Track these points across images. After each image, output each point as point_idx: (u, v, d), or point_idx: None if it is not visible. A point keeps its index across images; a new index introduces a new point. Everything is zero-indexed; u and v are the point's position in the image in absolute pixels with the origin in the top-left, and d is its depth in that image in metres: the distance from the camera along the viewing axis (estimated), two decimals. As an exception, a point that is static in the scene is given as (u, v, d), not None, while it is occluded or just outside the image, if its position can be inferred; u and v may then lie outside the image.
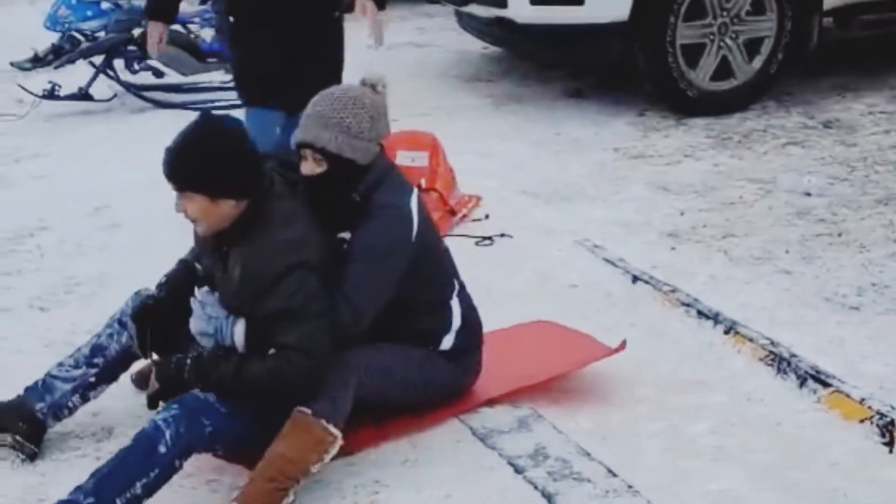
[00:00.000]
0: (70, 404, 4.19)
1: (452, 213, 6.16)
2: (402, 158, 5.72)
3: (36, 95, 8.45)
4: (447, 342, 4.11)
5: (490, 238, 5.94)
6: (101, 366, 4.18)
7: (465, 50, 9.58)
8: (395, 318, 3.94)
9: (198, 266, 4.10)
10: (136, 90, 8.61)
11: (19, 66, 9.34)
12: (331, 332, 3.74)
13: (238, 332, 3.82)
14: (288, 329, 3.70)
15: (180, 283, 4.07)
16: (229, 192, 3.76)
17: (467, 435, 4.24)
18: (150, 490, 3.66)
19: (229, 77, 8.53)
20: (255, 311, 3.76)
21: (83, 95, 8.51)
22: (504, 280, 5.47)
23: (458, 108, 8.17)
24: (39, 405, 4.14)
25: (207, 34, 9.25)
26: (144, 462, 3.64)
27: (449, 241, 5.75)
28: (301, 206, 3.86)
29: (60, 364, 4.22)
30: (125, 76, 8.74)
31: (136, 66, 8.82)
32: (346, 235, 3.90)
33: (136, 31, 8.66)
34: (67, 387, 4.17)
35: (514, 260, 5.72)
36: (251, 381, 3.73)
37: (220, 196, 3.75)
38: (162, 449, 3.65)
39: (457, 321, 4.12)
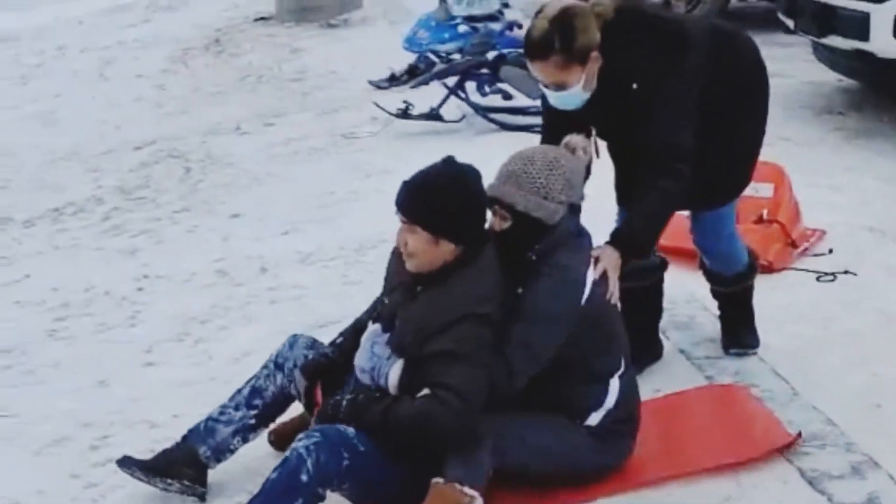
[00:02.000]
0: (231, 447, 4.26)
1: (794, 245, 6.00)
2: (746, 189, 5.60)
3: (390, 114, 8.76)
4: (594, 419, 3.96)
5: (832, 274, 5.74)
6: (261, 408, 4.24)
7: (819, 81, 9.31)
8: (548, 382, 3.84)
9: (385, 300, 4.10)
10: (483, 112, 8.78)
11: (376, 85, 9.72)
12: (487, 385, 3.69)
13: (394, 373, 3.81)
14: (448, 370, 3.66)
15: (354, 345, 4.05)
16: (452, 236, 3.80)
17: (795, 476, 4.10)
18: None
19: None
20: (422, 351, 3.74)
21: (434, 116, 8.75)
22: (844, 318, 5.27)
23: (807, 140, 7.94)
24: (203, 448, 4.22)
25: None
26: (289, 491, 3.65)
27: (789, 275, 5.68)
28: (496, 263, 3.84)
29: (223, 406, 4.30)
30: (475, 98, 8.93)
31: (487, 89, 8.99)
32: (520, 291, 3.87)
33: (490, 55, 8.84)
34: (229, 430, 4.24)
35: (856, 298, 5.50)
36: (400, 421, 3.70)
37: (443, 236, 3.80)
38: (304, 478, 3.65)
39: (611, 401, 3.96)
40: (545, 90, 4.34)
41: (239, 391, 4.31)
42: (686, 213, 4.77)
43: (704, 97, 4.32)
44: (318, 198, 7.57)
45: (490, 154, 7.56)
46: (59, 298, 6.46)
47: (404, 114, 8.73)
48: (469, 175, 3.85)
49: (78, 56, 12.65)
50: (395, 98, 9.02)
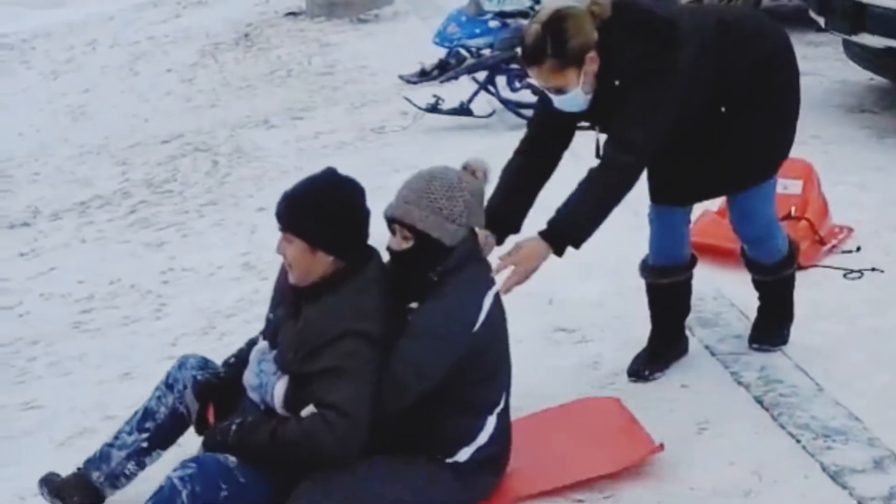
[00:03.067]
0: (126, 471, 4.11)
1: (822, 242, 5.96)
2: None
3: (420, 108, 8.75)
4: (463, 454, 3.84)
5: (860, 271, 5.69)
6: (153, 430, 4.10)
7: (850, 80, 9.25)
8: (424, 409, 3.73)
9: (270, 316, 4.04)
10: (514, 107, 8.76)
11: (407, 80, 9.70)
12: (372, 403, 3.62)
13: (279, 390, 3.74)
14: (331, 388, 3.61)
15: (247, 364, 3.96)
16: (329, 246, 3.75)
17: (817, 470, 4.08)
18: None
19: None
20: (305, 368, 3.68)
21: (464, 110, 8.73)
22: (869, 315, 5.23)
23: (836, 138, 7.87)
24: (96, 474, 4.10)
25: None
26: None
27: (816, 272, 5.64)
28: (381, 279, 3.78)
29: (118, 431, 4.17)
30: (505, 93, 8.91)
31: (517, 84, 8.97)
32: (415, 305, 3.80)
33: (520, 50, 8.80)
34: (122, 454, 4.11)
35: (883, 296, 5.45)
36: (287, 441, 3.64)
37: (319, 247, 3.74)
38: None
39: (483, 438, 3.86)
40: (546, 93, 4.32)
41: (134, 414, 4.17)
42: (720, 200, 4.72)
43: (713, 88, 4.31)
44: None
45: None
46: (85, 291, 6.48)
47: (434, 108, 8.72)
48: (348, 187, 3.82)
49: (108, 51, 12.72)
50: (424, 93, 9.00)
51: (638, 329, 4.96)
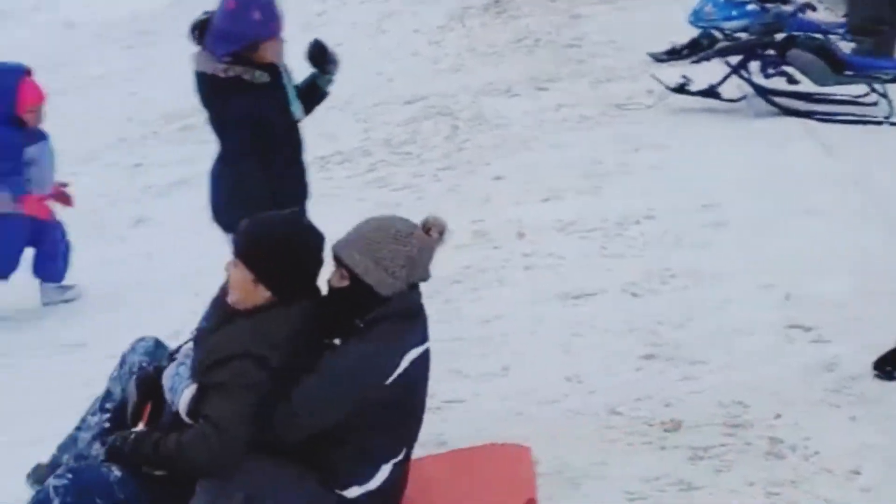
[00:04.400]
0: (94, 453, 4.03)
1: None
2: None
3: (667, 87, 8.53)
4: (353, 492, 3.75)
5: None
6: (112, 411, 4.07)
7: None
8: (324, 442, 3.69)
9: (203, 324, 3.99)
10: (765, 94, 8.46)
11: (655, 58, 9.50)
12: (254, 424, 3.59)
13: (184, 397, 3.72)
14: (213, 403, 3.61)
15: None
16: (270, 283, 3.76)
17: None
18: None
19: (864, 91, 8.24)
20: (205, 380, 3.69)
21: (712, 93, 8.47)
22: None
23: None
24: (66, 458, 4.08)
25: (846, 47, 8.93)
26: None
27: None
28: (306, 315, 3.76)
29: (84, 413, 4.14)
30: (758, 79, 8.61)
31: (772, 71, 8.65)
32: (337, 342, 3.76)
33: (779, 36, 8.51)
34: (87, 436, 4.08)
35: None
36: (167, 452, 3.63)
37: (262, 281, 3.75)
38: None
39: (374, 484, 3.77)
40: None
41: (98, 396, 4.15)
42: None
43: None
44: (584, 167, 7.43)
45: (770, 138, 7.36)
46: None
47: (681, 89, 8.48)
48: (308, 235, 3.83)
49: (359, 7, 12.83)
50: (673, 72, 8.76)
51: (881, 334, 4.70)
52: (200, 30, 4.86)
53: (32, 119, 6.29)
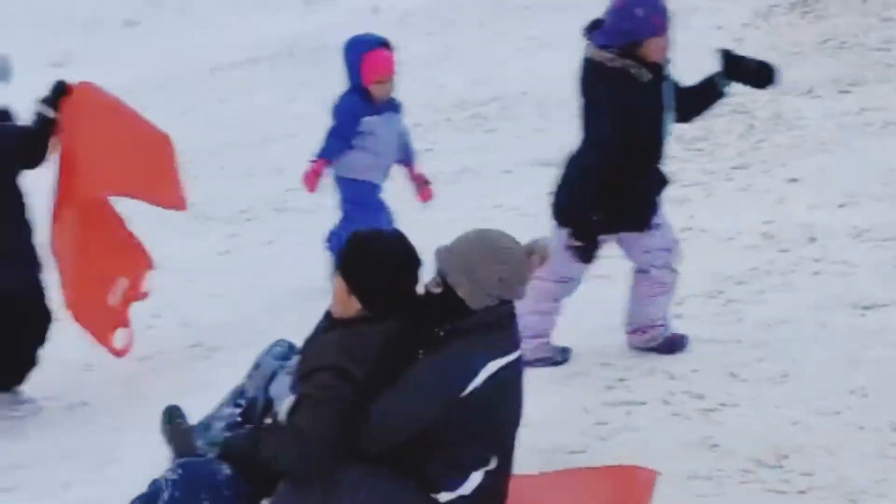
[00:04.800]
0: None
1: None
2: None
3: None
4: (444, 497, 3.82)
5: None
6: (244, 407, 4.24)
7: None
8: (414, 450, 3.78)
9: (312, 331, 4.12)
10: None
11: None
12: (338, 435, 3.73)
13: (285, 405, 3.90)
14: (299, 412, 3.80)
15: None
16: (362, 298, 3.91)
17: None
18: None
19: None
20: (297, 389, 3.89)
21: None
22: None
23: None
24: (200, 443, 4.20)
25: None
26: None
27: None
28: (392, 332, 3.86)
29: (220, 403, 4.31)
30: None
31: None
32: (420, 354, 3.81)
33: None
34: (220, 425, 4.23)
35: None
36: (262, 452, 3.84)
37: (354, 293, 3.91)
38: None
39: (465, 490, 3.82)
40: None
41: (233, 389, 4.34)
42: None
43: None
44: (884, 174, 7.12)
45: None
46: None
47: None
48: (404, 254, 3.95)
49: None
50: None
51: None
52: (594, 26, 5.04)
53: (378, 91, 6.22)
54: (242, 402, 4.30)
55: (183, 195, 5.80)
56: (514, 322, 3.90)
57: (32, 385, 5.61)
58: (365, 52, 6.22)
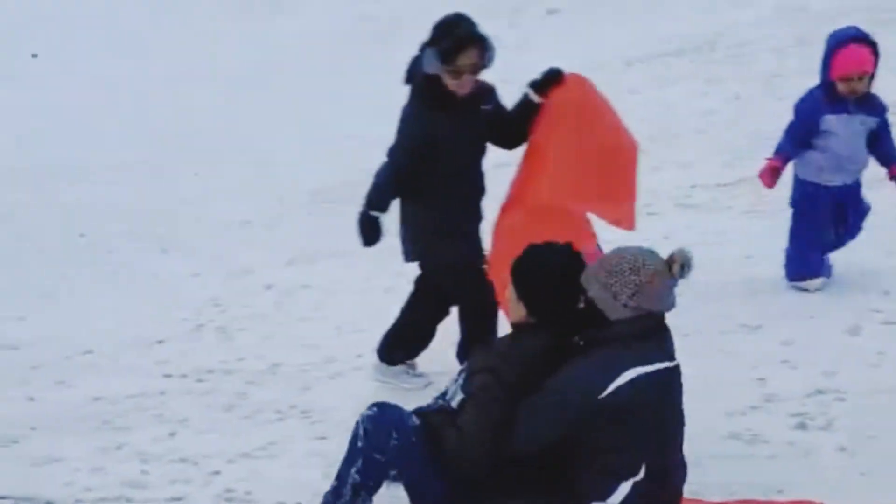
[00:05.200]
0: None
1: None
2: None
3: None
4: None
5: None
6: (441, 400, 4.49)
7: None
8: (562, 457, 4.03)
9: None
10: None
11: None
12: (498, 435, 4.05)
13: (456, 402, 4.30)
14: (463, 410, 4.22)
15: None
16: (526, 302, 4.30)
17: None
18: (366, 479, 4.27)
19: None
20: (465, 388, 4.28)
21: None
22: None
23: None
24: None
25: None
26: (351, 455, 4.31)
27: None
28: (544, 339, 4.21)
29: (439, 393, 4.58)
30: None
31: None
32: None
33: None
34: (435, 406, 4.49)
35: None
36: (440, 441, 4.20)
37: (521, 299, 4.32)
38: (360, 443, 4.27)
39: (614, 500, 3.98)
40: None
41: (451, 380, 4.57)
42: None
43: None
44: None
45: None
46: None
47: None
48: (571, 268, 4.23)
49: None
50: None
51: None
52: None
53: (845, 88, 5.99)
54: (439, 398, 4.54)
55: (633, 212, 5.40)
56: (661, 333, 4.09)
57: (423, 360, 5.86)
58: (837, 47, 6.01)
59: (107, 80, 11.84)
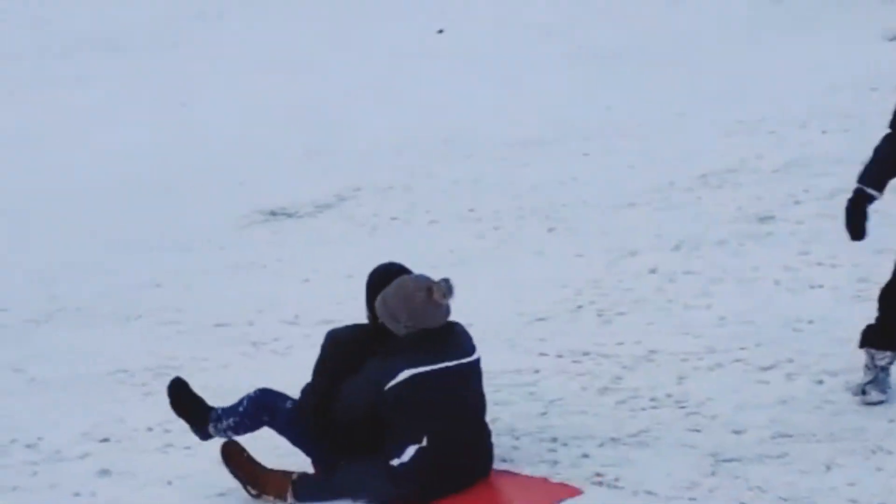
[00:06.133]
0: None
1: None
2: None
3: None
4: (395, 462, 5.04)
5: None
6: None
7: None
8: (370, 428, 5.07)
9: None
10: None
11: None
12: (320, 398, 5.17)
13: None
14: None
15: None
16: (369, 308, 5.24)
17: None
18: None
19: None
20: None
21: None
22: None
23: None
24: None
25: None
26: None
27: None
28: (364, 335, 5.21)
29: None
30: None
31: None
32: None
33: None
34: None
35: None
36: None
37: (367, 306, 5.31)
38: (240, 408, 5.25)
39: (405, 458, 5.02)
40: None
41: None
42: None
43: None
44: None
45: None
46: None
47: None
48: (384, 279, 5.14)
49: None
50: None
51: None
52: None
53: None
54: None
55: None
56: (442, 340, 5.03)
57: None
58: None
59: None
